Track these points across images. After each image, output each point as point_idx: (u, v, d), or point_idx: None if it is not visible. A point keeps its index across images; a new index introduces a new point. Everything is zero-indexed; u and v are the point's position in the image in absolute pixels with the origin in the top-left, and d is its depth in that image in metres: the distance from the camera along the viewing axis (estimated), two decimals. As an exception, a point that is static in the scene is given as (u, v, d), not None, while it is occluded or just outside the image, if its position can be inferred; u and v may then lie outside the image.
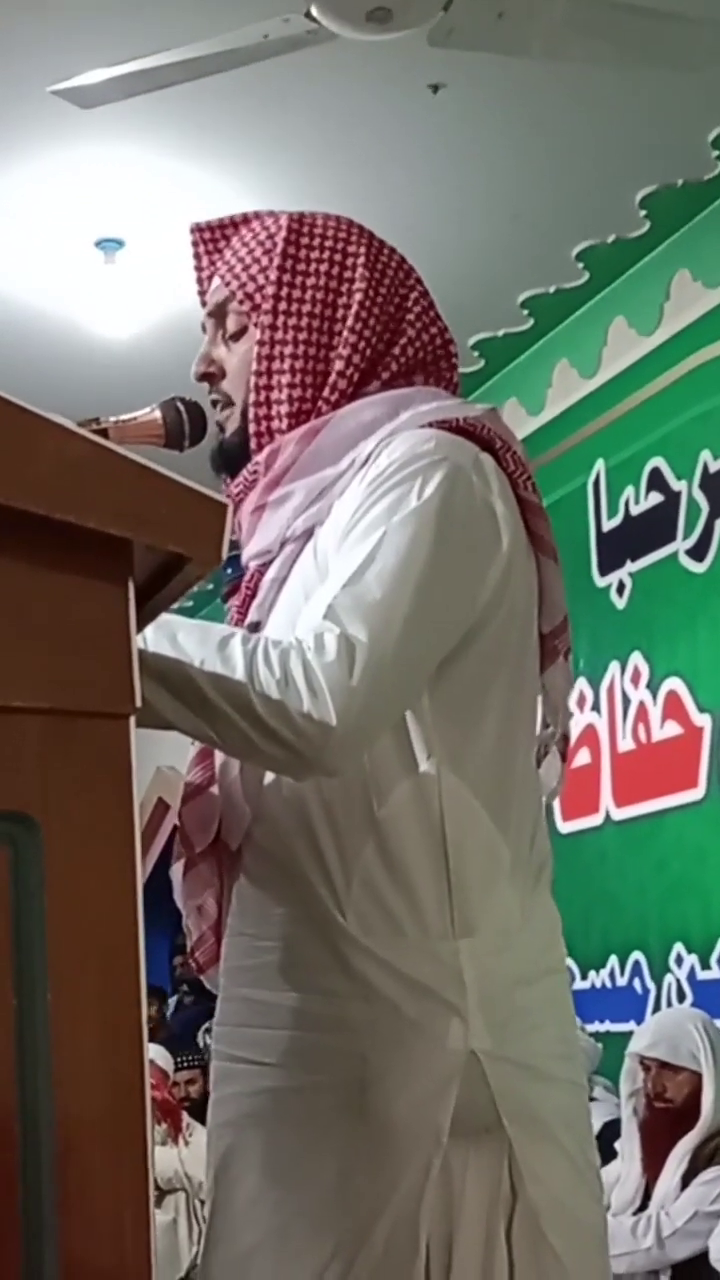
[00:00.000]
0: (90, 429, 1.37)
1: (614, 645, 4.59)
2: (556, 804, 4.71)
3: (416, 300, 1.50)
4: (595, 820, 4.63)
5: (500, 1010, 1.32)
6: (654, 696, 4.42)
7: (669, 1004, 4.19)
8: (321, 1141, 1.30)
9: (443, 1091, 1.28)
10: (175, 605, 1.10)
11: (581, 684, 4.68)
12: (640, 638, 4.51)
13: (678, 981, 4.22)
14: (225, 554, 0.95)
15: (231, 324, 1.51)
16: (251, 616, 1.43)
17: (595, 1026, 4.37)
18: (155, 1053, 5.05)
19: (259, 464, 1.46)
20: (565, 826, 4.70)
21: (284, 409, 1.46)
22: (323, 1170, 1.29)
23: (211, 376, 1.53)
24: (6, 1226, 0.86)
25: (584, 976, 4.54)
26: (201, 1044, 6.29)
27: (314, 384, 1.45)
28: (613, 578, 4.64)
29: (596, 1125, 3.42)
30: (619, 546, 4.63)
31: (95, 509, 0.88)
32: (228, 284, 1.51)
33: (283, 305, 1.46)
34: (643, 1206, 3.26)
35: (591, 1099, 3.25)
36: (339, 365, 1.45)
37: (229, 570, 1.51)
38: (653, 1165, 3.30)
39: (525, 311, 4.86)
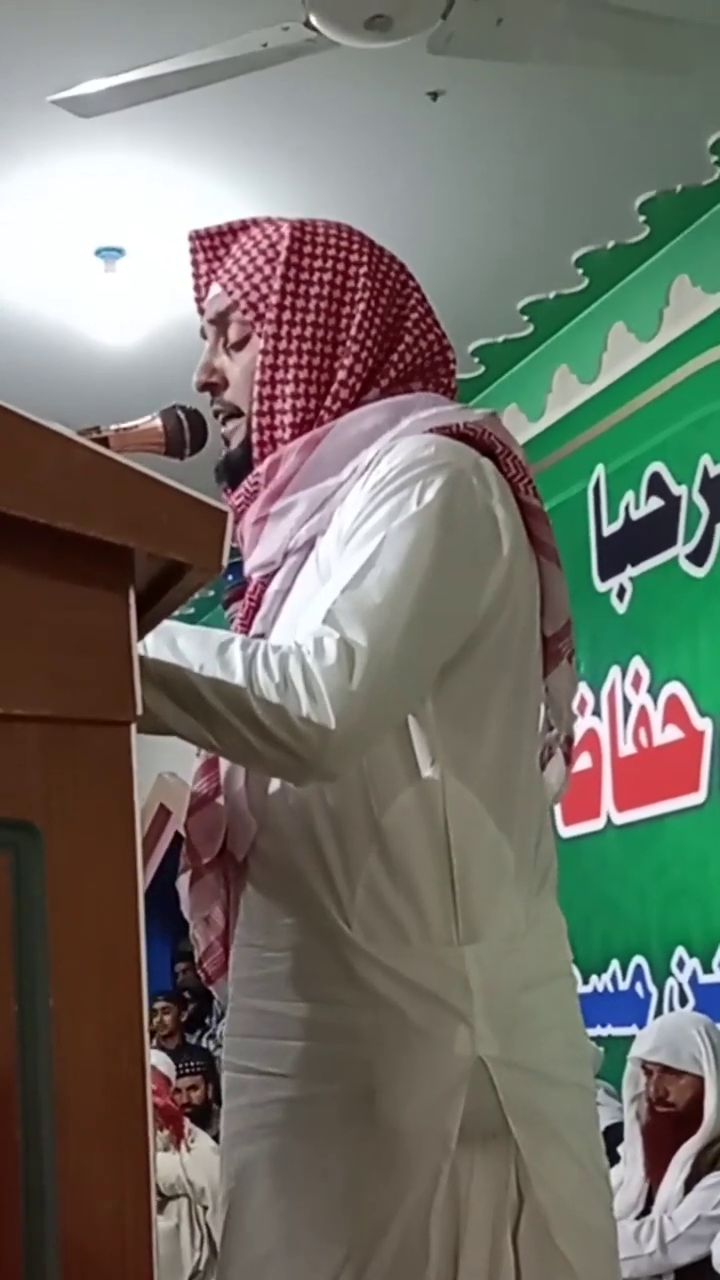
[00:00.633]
0: (91, 437, 1.38)
1: (615, 650, 4.60)
2: (558, 809, 4.72)
3: (414, 307, 1.50)
4: (596, 825, 4.63)
5: (506, 1015, 1.32)
6: (655, 701, 4.42)
7: (671, 1008, 4.19)
8: (331, 1150, 1.30)
9: (450, 1098, 1.29)
10: (176, 612, 1.10)
11: (582, 688, 4.68)
12: (641, 642, 4.51)
13: (679, 986, 4.22)
14: (226, 561, 0.95)
15: (234, 333, 1.51)
16: (255, 629, 1.43)
17: (597, 1031, 4.37)
18: (158, 1059, 5.05)
19: (260, 475, 1.46)
20: (566, 831, 4.70)
21: (287, 419, 1.46)
22: (333, 1178, 1.29)
23: (214, 386, 1.53)
24: (9, 1230, 0.86)
25: (585, 981, 4.53)
26: (209, 1047, 6.29)
27: (317, 394, 1.46)
28: (613, 582, 4.65)
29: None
30: (619, 551, 4.64)
31: (96, 517, 0.89)
32: (230, 293, 1.50)
33: (287, 315, 1.47)
34: (645, 1211, 3.26)
35: (593, 1104, 3.25)
36: (342, 375, 1.45)
37: (230, 577, 1.51)
38: (655, 1170, 3.29)
39: (525, 317, 4.86)
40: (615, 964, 4.48)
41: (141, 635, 1.04)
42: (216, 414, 1.54)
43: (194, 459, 1.53)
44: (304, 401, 1.45)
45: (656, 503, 4.49)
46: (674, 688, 4.35)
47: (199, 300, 1.56)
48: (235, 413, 1.52)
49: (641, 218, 4.34)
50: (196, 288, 1.56)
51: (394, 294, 1.49)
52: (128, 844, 0.91)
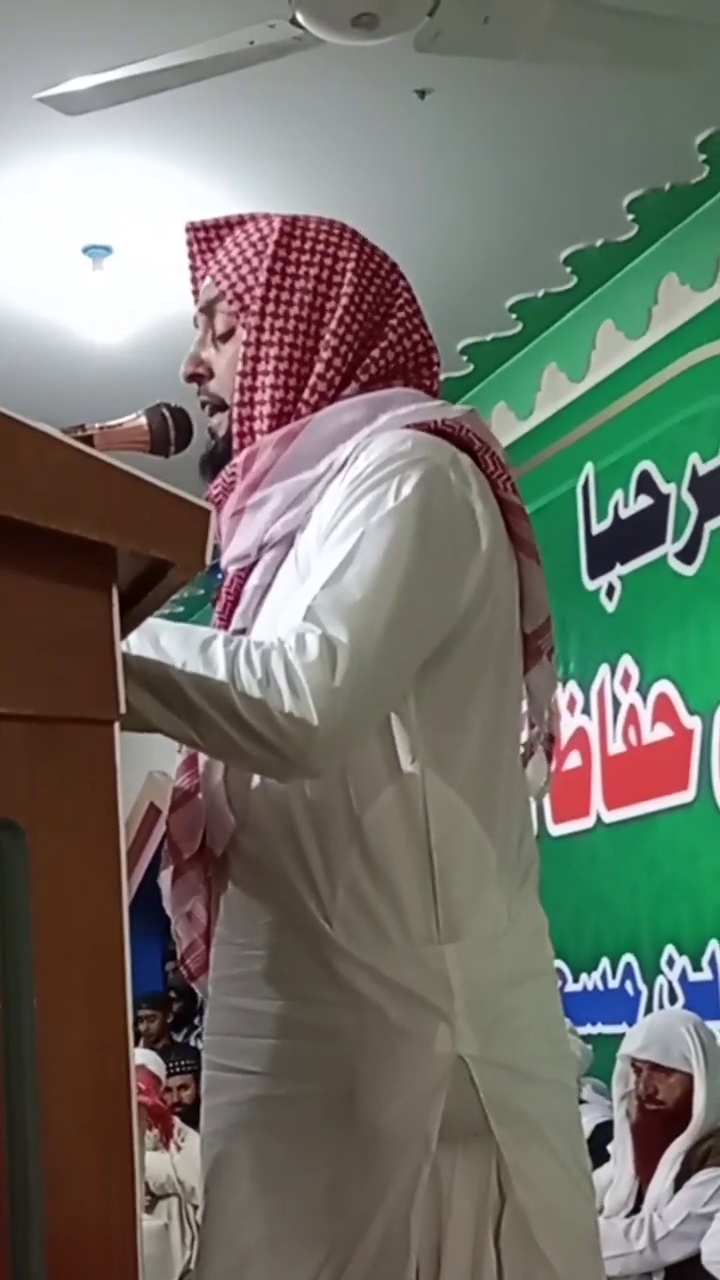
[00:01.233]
0: (75, 435, 1.38)
1: (604, 648, 4.60)
2: (548, 807, 4.72)
3: (401, 306, 1.50)
4: (586, 823, 4.63)
5: (488, 1014, 1.31)
6: (644, 699, 4.43)
7: (660, 1006, 4.19)
8: (312, 1149, 1.30)
9: (431, 1097, 1.28)
10: (165, 611, 1.10)
11: (572, 687, 4.68)
12: (630, 640, 4.52)
13: (669, 983, 4.23)
14: (209, 559, 0.95)
15: (220, 324, 1.51)
16: (235, 624, 1.43)
17: (587, 1029, 4.38)
18: (147, 1058, 5.05)
19: (237, 466, 1.46)
20: (556, 829, 4.70)
21: (265, 409, 1.46)
22: (313, 1178, 1.29)
23: (199, 377, 1.53)
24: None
25: (575, 979, 4.54)
26: (199, 1046, 6.28)
27: (296, 385, 1.46)
28: (602, 581, 4.65)
29: (588, 1128, 3.43)
30: (608, 549, 4.64)
31: (78, 515, 0.88)
32: (218, 283, 1.51)
33: (270, 307, 1.47)
34: (635, 1209, 3.26)
35: (582, 1101, 3.26)
36: (320, 368, 1.45)
37: (219, 576, 1.51)
38: (645, 1167, 3.30)
39: (514, 316, 4.86)
40: (605, 962, 4.49)
41: (125, 633, 1.04)
42: (203, 405, 1.54)
43: (179, 457, 1.52)
44: (282, 393, 1.46)
45: (645, 501, 4.49)
46: (663, 686, 4.35)
47: (195, 292, 1.56)
48: (220, 405, 1.52)
49: (630, 216, 4.34)
50: (193, 280, 1.57)
51: (381, 292, 1.49)
52: (112, 842, 0.91)
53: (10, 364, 4.85)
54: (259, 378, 1.46)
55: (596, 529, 4.71)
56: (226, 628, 1.44)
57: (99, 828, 0.90)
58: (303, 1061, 1.31)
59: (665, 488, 4.40)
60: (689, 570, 4.28)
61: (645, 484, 4.50)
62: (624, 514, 4.59)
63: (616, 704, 4.55)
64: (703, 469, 4.25)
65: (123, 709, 0.92)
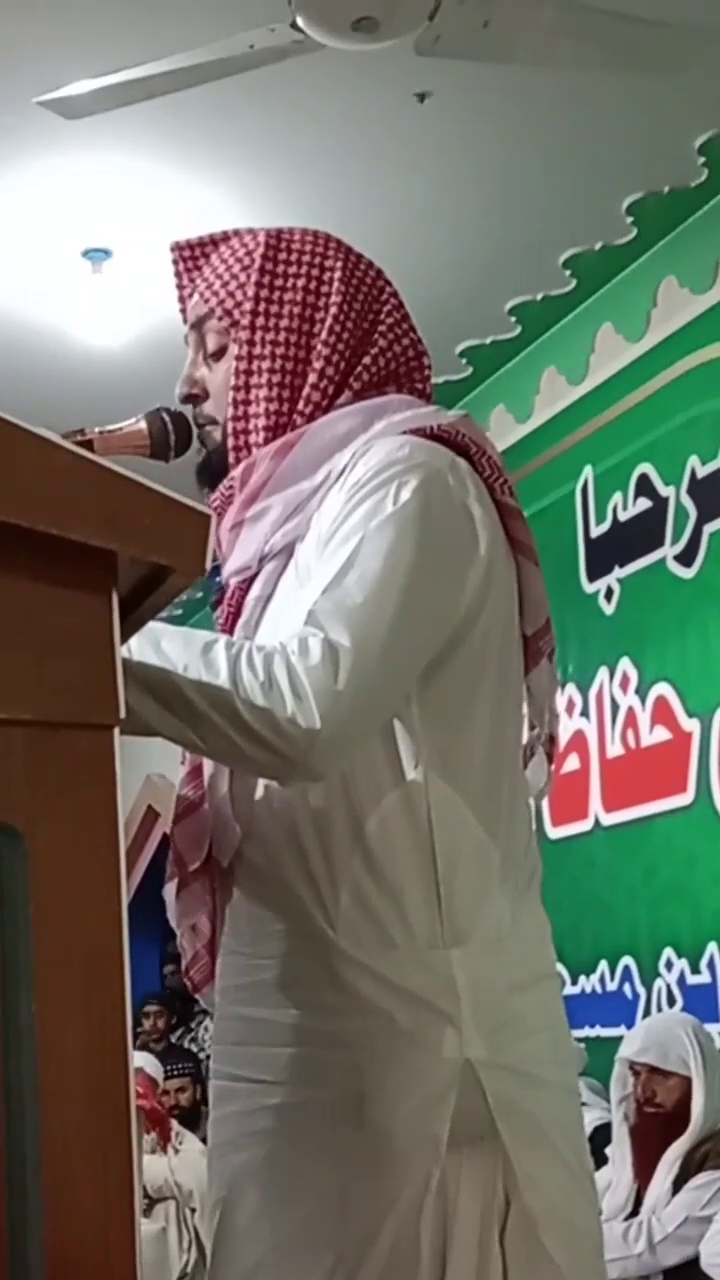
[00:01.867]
0: (75, 440, 1.38)
1: (603, 651, 4.60)
2: (546, 810, 4.72)
3: (389, 312, 1.51)
4: (585, 825, 4.63)
5: (493, 1017, 1.32)
6: (643, 702, 4.43)
7: (659, 1009, 4.19)
8: (321, 1156, 1.30)
9: (440, 1101, 1.29)
10: (164, 614, 1.10)
11: (570, 690, 4.68)
12: (629, 643, 4.52)
13: (667, 986, 4.23)
14: (209, 564, 0.95)
15: (211, 342, 1.52)
16: (237, 635, 1.43)
17: (585, 1031, 4.38)
18: (145, 1061, 5.04)
19: (235, 479, 1.47)
20: (555, 832, 4.70)
21: (261, 422, 1.46)
22: (323, 1185, 1.29)
23: (195, 398, 1.54)
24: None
25: (574, 981, 4.54)
26: (193, 1049, 6.28)
27: (290, 397, 1.46)
28: (601, 584, 4.65)
29: (587, 1131, 3.42)
30: (607, 552, 4.64)
31: (78, 520, 0.89)
32: (206, 300, 1.52)
33: (260, 321, 1.48)
34: (634, 1212, 3.26)
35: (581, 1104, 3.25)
36: (313, 378, 1.46)
37: (217, 579, 1.51)
38: (644, 1170, 3.30)
39: (513, 318, 4.87)
40: (604, 964, 4.49)
41: (125, 638, 1.04)
42: (199, 424, 1.54)
43: (178, 461, 1.53)
44: (276, 405, 1.46)
45: (644, 504, 4.49)
46: (662, 689, 4.35)
47: (183, 311, 1.57)
48: (214, 420, 1.53)
49: (629, 219, 4.34)
50: (180, 299, 1.57)
51: (368, 299, 1.50)
52: (111, 847, 0.91)
53: (9, 367, 4.85)
54: (253, 391, 1.47)
55: (595, 532, 4.71)
56: None
57: (99, 833, 0.90)
58: (311, 1068, 1.31)
59: (664, 490, 4.40)
60: (688, 573, 4.28)
61: (644, 487, 4.50)
62: (623, 517, 4.59)
63: (615, 707, 4.55)
64: (702, 472, 4.25)
65: (123, 713, 0.92)
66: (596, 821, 4.59)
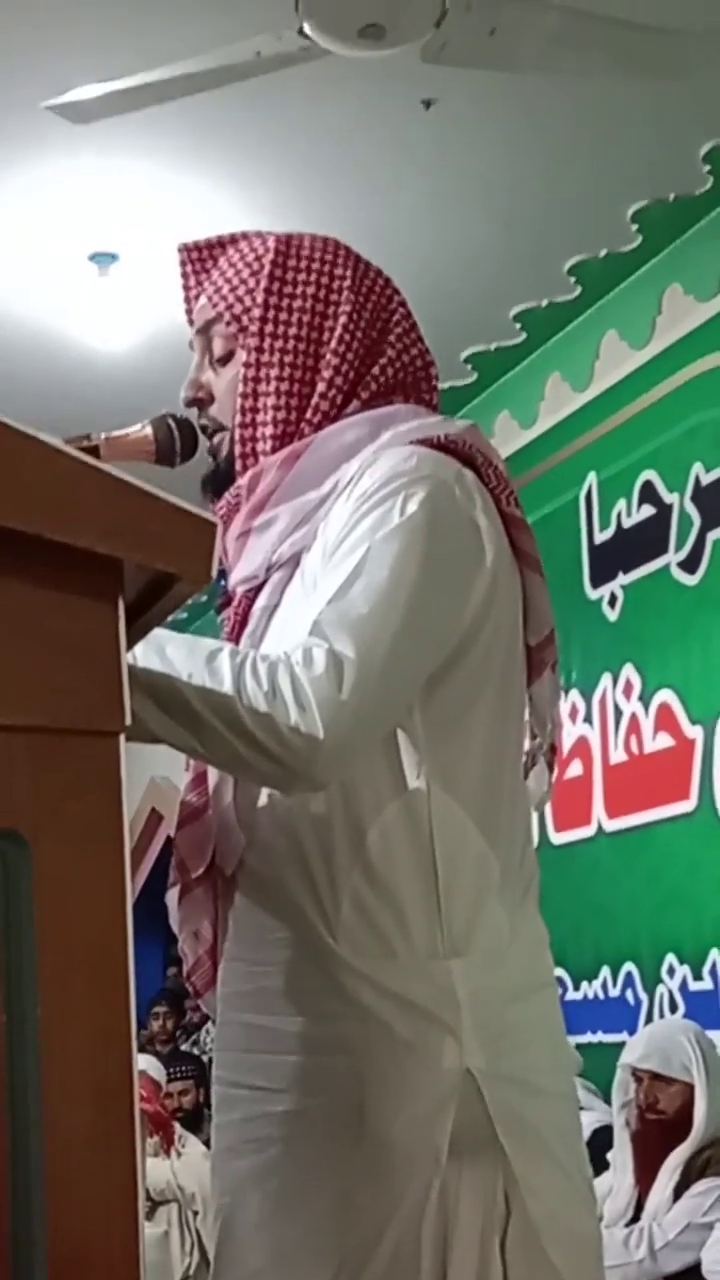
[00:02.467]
0: (81, 445, 1.38)
1: (606, 657, 4.60)
2: (549, 815, 4.72)
3: (399, 321, 1.50)
4: (587, 831, 4.63)
5: (493, 1027, 1.32)
6: (646, 708, 4.43)
7: (661, 1015, 4.19)
8: (322, 1164, 1.30)
9: (440, 1111, 1.29)
10: (168, 618, 1.10)
11: (574, 696, 4.68)
12: (632, 650, 4.52)
13: (670, 993, 4.22)
14: (215, 571, 0.96)
15: (218, 347, 1.51)
16: (244, 645, 1.43)
17: (587, 1037, 4.37)
18: (148, 1064, 5.04)
19: (241, 488, 1.46)
20: (557, 838, 4.70)
21: (268, 430, 1.46)
22: (324, 1193, 1.29)
23: (200, 402, 1.53)
24: (-4, 1238, 0.86)
25: (576, 987, 4.54)
26: (195, 1052, 6.28)
27: (298, 405, 1.46)
28: (604, 590, 4.65)
29: (586, 1133, 3.42)
30: (611, 559, 4.64)
31: (85, 528, 0.89)
32: (215, 305, 1.51)
33: (269, 328, 1.47)
34: (635, 1218, 3.26)
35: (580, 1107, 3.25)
36: (322, 387, 1.46)
37: (222, 583, 1.52)
38: (645, 1177, 3.29)
39: (518, 325, 4.87)
40: (606, 970, 4.48)
41: (131, 644, 1.05)
42: (204, 429, 1.54)
43: (184, 467, 1.53)
44: (284, 414, 1.46)
45: (648, 510, 4.49)
46: (665, 695, 4.35)
47: (189, 313, 1.56)
48: (221, 427, 1.52)
49: (634, 226, 4.35)
50: (186, 300, 1.57)
51: (377, 308, 1.49)
52: (116, 854, 0.91)
53: (15, 370, 4.86)
54: (260, 399, 1.46)
55: (599, 538, 4.71)
56: None
57: (104, 839, 0.90)
58: (312, 1076, 1.31)
59: (668, 498, 4.40)
60: (691, 580, 4.28)
61: (648, 494, 4.50)
62: (626, 524, 4.59)
63: (618, 713, 4.55)
64: (706, 479, 4.25)
65: (128, 720, 0.92)
66: (599, 827, 4.59)
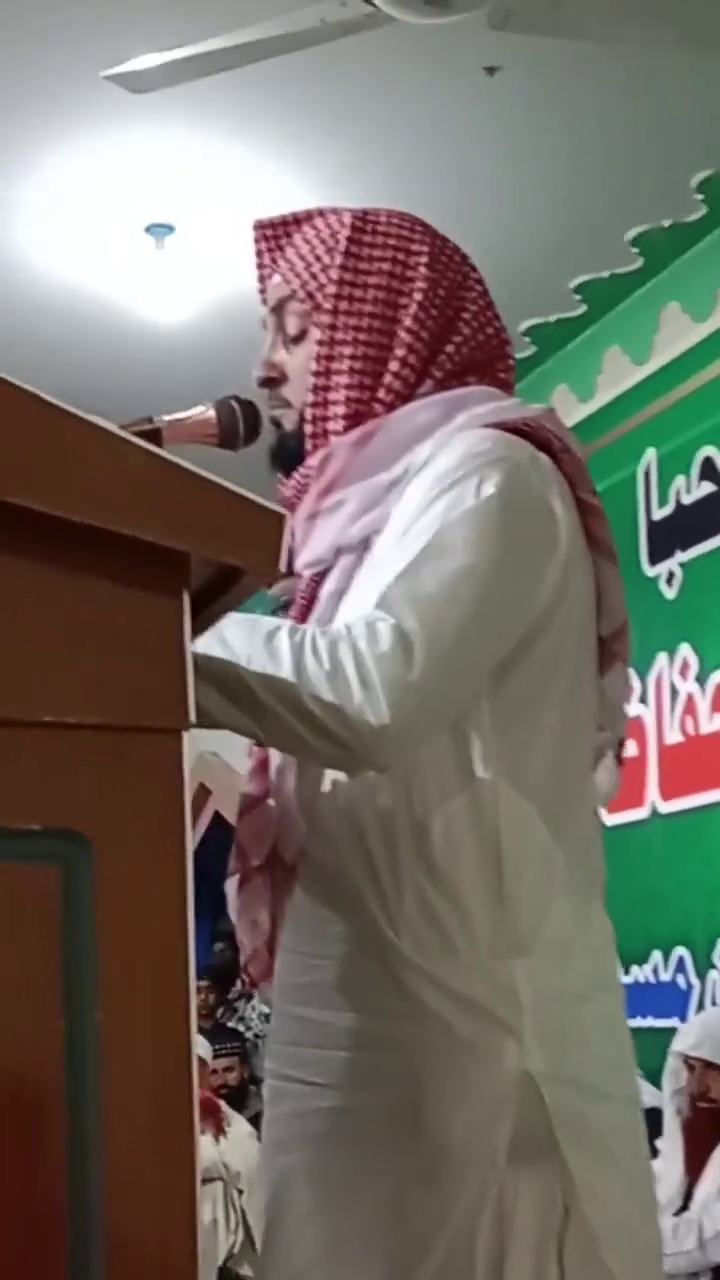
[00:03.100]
0: (143, 428, 1.36)
1: (662, 636, 4.55)
2: (602, 798, 4.68)
3: (475, 299, 1.47)
4: (641, 814, 4.59)
5: (556, 1029, 1.29)
6: (702, 688, 4.37)
7: (713, 1001, 4.15)
8: (375, 1162, 1.28)
9: (499, 1113, 1.26)
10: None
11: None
12: (689, 629, 4.46)
13: (722, 978, 4.19)
14: (284, 564, 0.93)
15: (292, 326, 1.48)
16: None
17: (638, 1022, 4.34)
18: (196, 1043, 5.04)
19: (311, 468, 1.43)
20: (610, 820, 4.63)
21: (340, 409, 1.43)
22: (376, 1191, 1.27)
23: (274, 381, 1.50)
24: (55, 1244, 0.85)
25: (626, 971, 4.50)
26: (239, 1028, 6.29)
27: (371, 385, 1.43)
28: (662, 568, 4.60)
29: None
30: (669, 536, 4.58)
31: (152, 521, 0.87)
32: (289, 282, 1.48)
33: (344, 305, 1.44)
34: (684, 1207, 3.24)
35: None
36: (395, 366, 1.43)
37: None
38: (695, 1166, 3.28)
39: (578, 296, 4.81)
40: (657, 955, 4.45)
41: (195, 636, 1.02)
42: (271, 406, 1.51)
43: (247, 450, 1.50)
44: (357, 393, 1.43)
45: (708, 488, 4.43)
46: (722, 676, 4.30)
47: (262, 292, 1.53)
48: (289, 405, 1.49)
49: (699, 196, 4.28)
50: (260, 279, 1.53)
51: (454, 286, 1.46)
52: (178, 854, 0.89)
53: (73, 341, 4.85)
54: (333, 377, 1.43)
55: (657, 515, 4.66)
56: None
57: (166, 839, 0.89)
58: (367, 1073, 1.29)
59: (729, 475, 4.34)
60: (751, 559, 4.22)
61: (708, 470, 4.44)
62: (685, 500, 4.53)
63: (674, 693, 4.50)
64: (767, 457, 4.19)
65: (193, 718, 0.90)
66: (654, 810, 4.55)
